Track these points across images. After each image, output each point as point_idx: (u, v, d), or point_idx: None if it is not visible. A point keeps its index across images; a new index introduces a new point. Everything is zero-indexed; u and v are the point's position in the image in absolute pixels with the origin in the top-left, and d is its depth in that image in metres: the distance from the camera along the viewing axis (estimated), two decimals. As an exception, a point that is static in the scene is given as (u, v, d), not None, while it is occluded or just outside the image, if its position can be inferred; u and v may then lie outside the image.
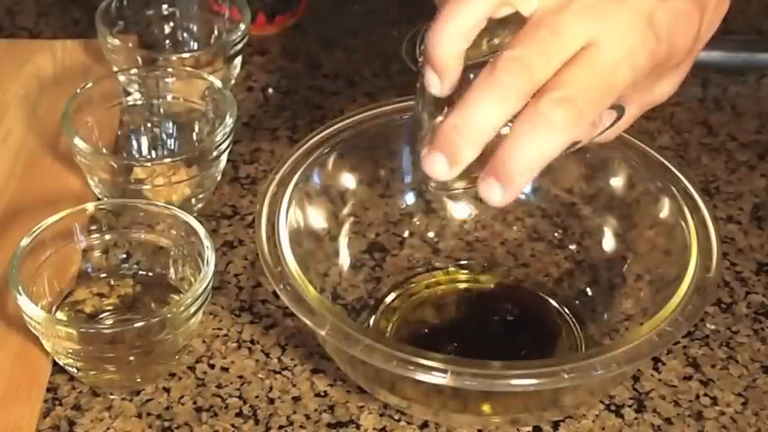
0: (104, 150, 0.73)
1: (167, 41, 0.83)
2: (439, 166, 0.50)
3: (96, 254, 0.65)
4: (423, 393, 0.57)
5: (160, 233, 0.64)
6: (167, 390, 0.61)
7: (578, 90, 0.49)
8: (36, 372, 0.61)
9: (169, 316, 0.58)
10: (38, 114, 0.78)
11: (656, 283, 0.61)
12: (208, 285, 0.60)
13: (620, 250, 0.65)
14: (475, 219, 0.69)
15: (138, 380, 0.61)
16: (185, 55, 0.77)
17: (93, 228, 0.65)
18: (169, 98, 0.74)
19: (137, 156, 0.75)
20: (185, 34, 0.83)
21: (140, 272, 0.66)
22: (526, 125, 0.48)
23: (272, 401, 0.61)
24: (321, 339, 0.59)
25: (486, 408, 0.58)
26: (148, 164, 0.71)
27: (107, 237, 0.65)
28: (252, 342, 0.64)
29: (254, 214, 0.60)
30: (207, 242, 0.61)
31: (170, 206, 0.64)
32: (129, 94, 0.75)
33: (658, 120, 0.80)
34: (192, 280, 0.62)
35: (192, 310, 0.59)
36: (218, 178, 0.72)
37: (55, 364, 0.62)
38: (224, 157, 0.71)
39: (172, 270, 0.65)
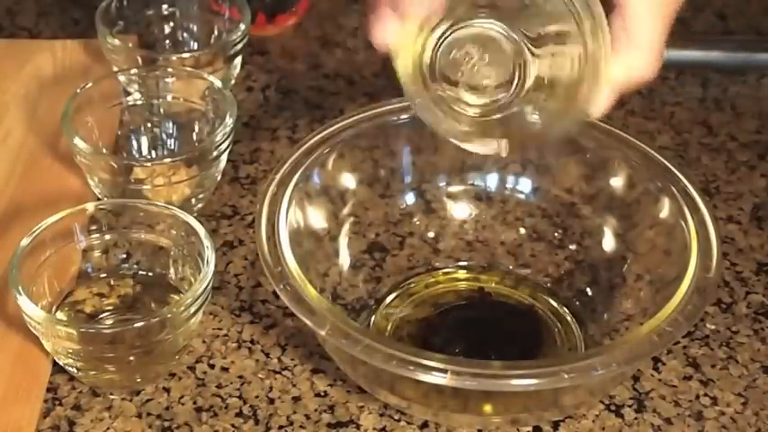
0: (104, 150, 0.73)
1: (167, 41, 0.83)
2: (389, 25, 0.49)
3: (96, 254, 0.65)
4: (423, 393, 0.57)
5: (160, 233, 0.64)
6: (167, 390, 0.61)
7: None
8: (36, 372, 0.61)
9: (169, 316, 0.58)
10: (38, 114, 0.78)
11: (656, 283, 0.61)
12: (208, 285, 0.60)
13: (620, 250, 0.65)
14: (475, 219, 0.69)
15: (138, 380, 0.61)
16: (185, 55, 0.77)
17: (93, 228, 0.65)
18: (169, 98, 0.74)
19: (137, 156, 0.75)
20: (185, 34, 0.83)
21: (140, 272, 0.66)
22: None
23: (272, 401, 0.61)
24: (321, 339, 0.59)
25: (486, 408, 0.58)
26: (148, 164, 0.71)
27: (107, 237, 0.65)
28: (252, 342, 0.64)
29: (254, 214, 0.60)
30: (207, 242, 0.61)
31: (170, 206, 0.64)
32: (129, 94, 0.75)
33: (658, 120, 0.80)
34: (192, 280, 0.62)
35: (192, 310, 0.59)
36: (218, 178, 0.72)
37: (55, 364, 0.62)
38: (224, 157, 0.71)
39: (172, 270, 0.65)
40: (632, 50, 0.52)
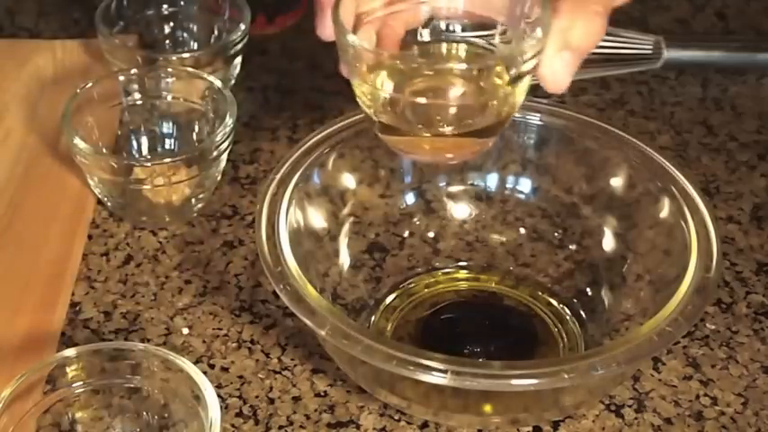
0: (104, 150, 0.73)
1: (167, 41, 0.83)
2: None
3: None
4: (423, 393, 0.57)
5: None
6: (167, 390, 0.61)
7: None
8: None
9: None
10: (38, 114, 0.78)
11: (656, 283, 0.61)
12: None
13: (620, 250, 0.65)
14: (475, 219, 0.69)
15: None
16: (185, 55, 0.77)
17: None
18: (169, 98, 0.74)
19: (137, 156, 0.75)
20: (185, 34, 0.83)
21: None
22: None
23: (272, 401, 0.61)
24: (321, 339, 0.59)
25: (486, 408, 0.58)
26: (148, 164, 0.71)
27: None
28: (252, 342, 0.64)
29: (254, 214, 0.60)
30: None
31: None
32: (129, 94, 0.75)
33: (658, 120, 0.80)
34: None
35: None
36: (218, 178, 0.72)
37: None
38: (224, 157, 0.71)
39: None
40: (580, 13, 0.53)
